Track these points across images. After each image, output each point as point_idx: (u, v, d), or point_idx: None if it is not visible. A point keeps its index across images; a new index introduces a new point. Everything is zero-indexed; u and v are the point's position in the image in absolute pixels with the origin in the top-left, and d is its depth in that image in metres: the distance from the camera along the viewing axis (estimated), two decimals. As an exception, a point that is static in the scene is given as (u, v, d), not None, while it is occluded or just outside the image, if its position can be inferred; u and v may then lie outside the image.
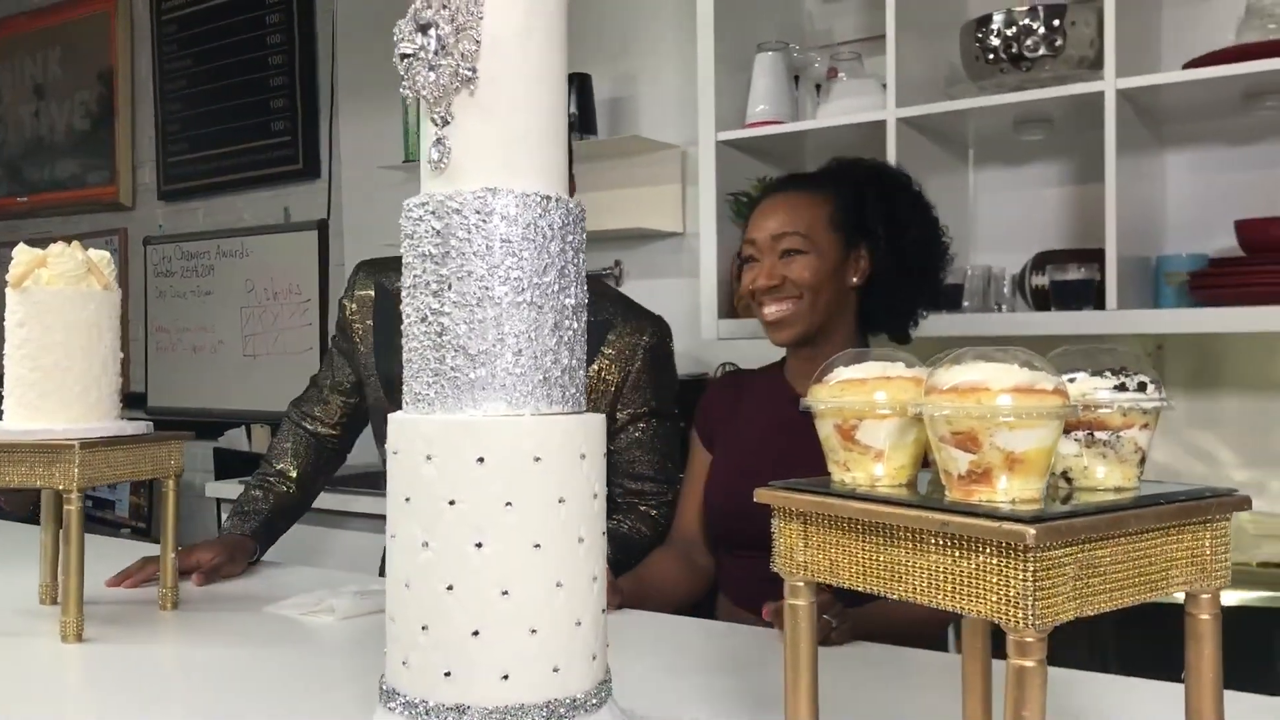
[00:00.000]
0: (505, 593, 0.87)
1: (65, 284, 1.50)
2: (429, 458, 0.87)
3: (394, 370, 1.84)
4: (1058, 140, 2.41)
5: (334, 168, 3.88)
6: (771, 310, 1.66)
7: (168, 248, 4.42)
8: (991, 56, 2.16)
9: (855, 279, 1.67)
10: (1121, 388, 0.78)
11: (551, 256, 0.90)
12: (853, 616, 1.40)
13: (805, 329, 1.66)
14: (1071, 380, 0.78)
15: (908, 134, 2.28)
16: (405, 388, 0.93)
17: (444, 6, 0.89)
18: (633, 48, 3.15)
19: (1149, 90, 2.05)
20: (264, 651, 1.38)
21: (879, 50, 2.54)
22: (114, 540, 2.35)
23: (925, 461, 0.83)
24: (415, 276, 0.91)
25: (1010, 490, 0.72)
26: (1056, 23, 2.09)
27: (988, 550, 0.69)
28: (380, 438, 1.93)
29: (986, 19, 2.17)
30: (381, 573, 1.98)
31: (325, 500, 2.38)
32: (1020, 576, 0.67)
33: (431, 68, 0.89)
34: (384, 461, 1.91)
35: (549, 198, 0.90)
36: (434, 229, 0.89)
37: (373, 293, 1.92)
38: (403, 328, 0.94)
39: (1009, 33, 2.13)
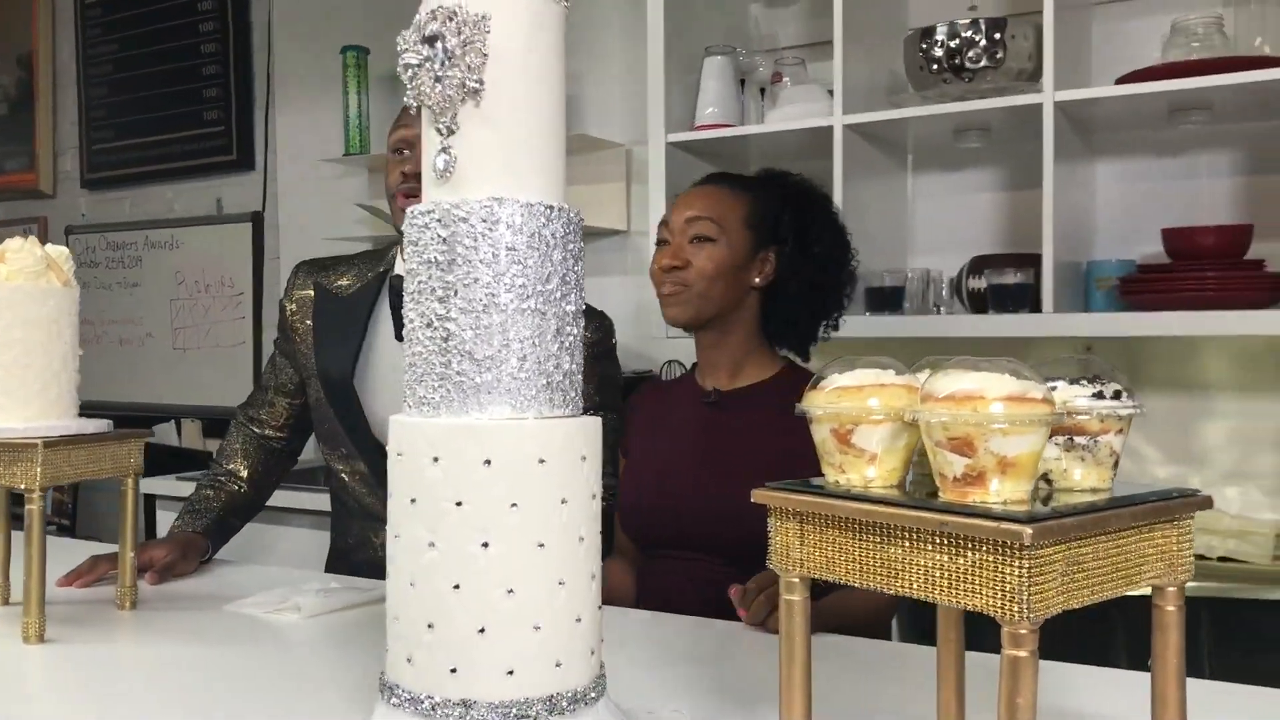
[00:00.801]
0: (510, 591, 0.89)
1: (24, 280, 1.48)
2: (435, 460, 0.90)
3: (333, 368, 1.86)
4: (994, 148, 2.50)
5: (270, 159, 3.83)
6: (666, 288, 1.69)
7: (92, 237, 4.31)
8: (935, 67, 2.23)
9: (758, 280, 1.70)
10: (1099, 395, 0.83)
11: (554, 264, 0.93)
12: (813, 609, 1.45)
13: (695, 313, 1.68)
14: (1053, 389, 0.83)
15: (852, 139, 2.35)
16: (408, 391, 0.95)
17: (450, 19, 0.91)
18: (579, 47, 3.17)
19: (1083, 103, 2.14)
20: (231, 650, 1.38)
21: (822, 56, 2.61)
22: (58, 540, 2.30)
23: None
24: (420, 282, 0.93)
25: (1002, 492, 0.77)
26: (997, 35, 2.18)
27: (984, 548, 0.74)
28: (321, 437, 1.93)
29: (930, 30, 2.24)
30: (328, 569, 1.98)
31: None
32: (1016, 572, 0.72)
33: (438, 78, 0.91)
34: (326, 461, 1.92)
35: (552, 207, 0.93)
36: (440, 236, 0.91)
37: (312, 293, 1.92)
38: (405, 332, 0.95)
39: (952, 44, 2.21)
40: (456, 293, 0.91)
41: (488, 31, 0.90)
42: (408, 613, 0.92)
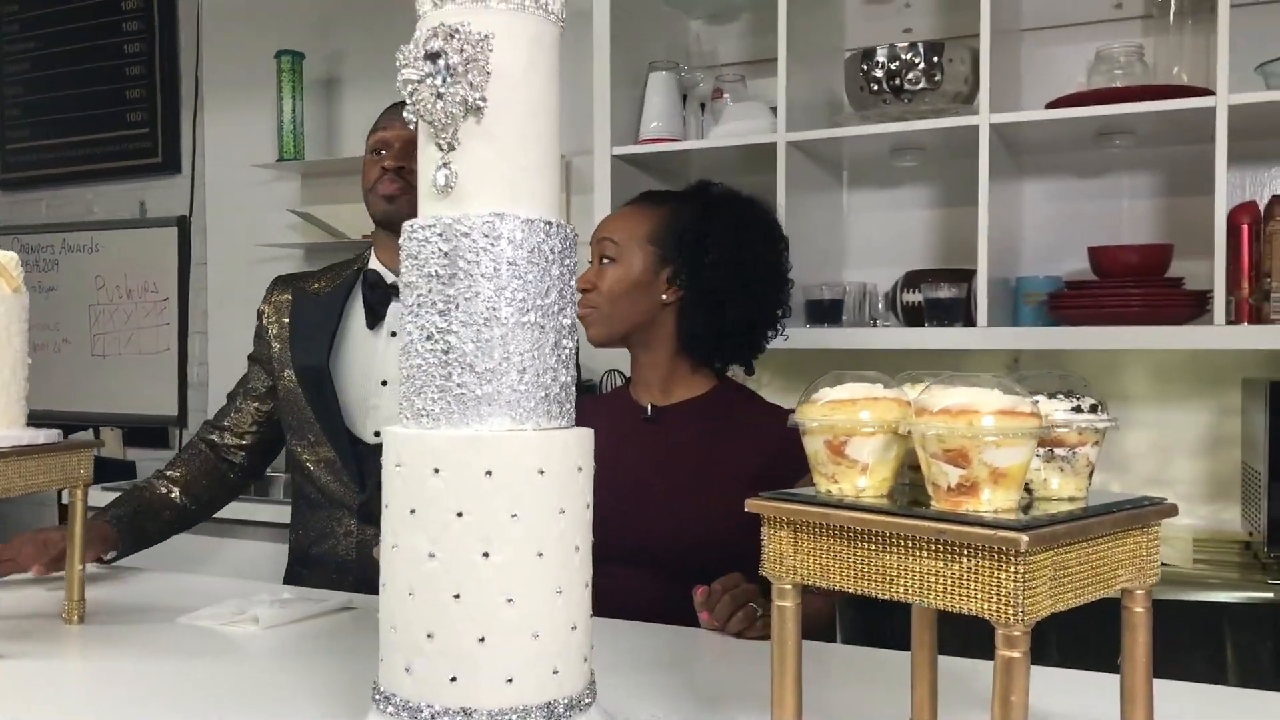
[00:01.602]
0: (510, 600, 0.91)
1: (-28, 286, 1.44)
2: (437, 471, 0.91)
3: (308, 356, 1.86)
4: (927, 166, 2.58)
5: (198, 163, 3.75)
6: (580, 309, 1.68)
7: (4, 239, 4.17)
8: (876, 88, 2.30)
9: (665, 297, 1.69)
10: (1077, 409, 0.88)
11: (553, 279, 0.95)
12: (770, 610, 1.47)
13: (607, 333, 1.70)
14: (1035, 403, 0.88)
15: (792, 155, 2.41)
16: (406, 403, 0.96)
17: (451, 36, 0.93)
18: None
19: (1015, 125, 2.23)
20: (189, 664, 1.35)
21: (761, 73, 2.67)
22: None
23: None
24: (420, 295, 0.94)
25: (993, 501, 0.81)
26: (936, 59, 2.26)
27: (980, 555, 0.78)
28: (288, 428, 1.92)
29: (871, 52, 2.31)
30: (287, 571, 1.96)
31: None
32: (1011, 577, 0.77)
33: (439, 94, 0.92)
34: (290, 456, 1.91)
35: (550, 223, 0.95)
36: (441, 250, 0.93)
37: (289, 296, 1.97)
38: (404, 345, 0.96)
39: (892, 66, 2.28)
40: (458, 306, 0.92)
41: (491, 50, 0.92)
42: (406, 622, 0.92)
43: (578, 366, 1.12)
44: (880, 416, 0.89)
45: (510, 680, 0.91)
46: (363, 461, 1.84)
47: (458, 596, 0.90)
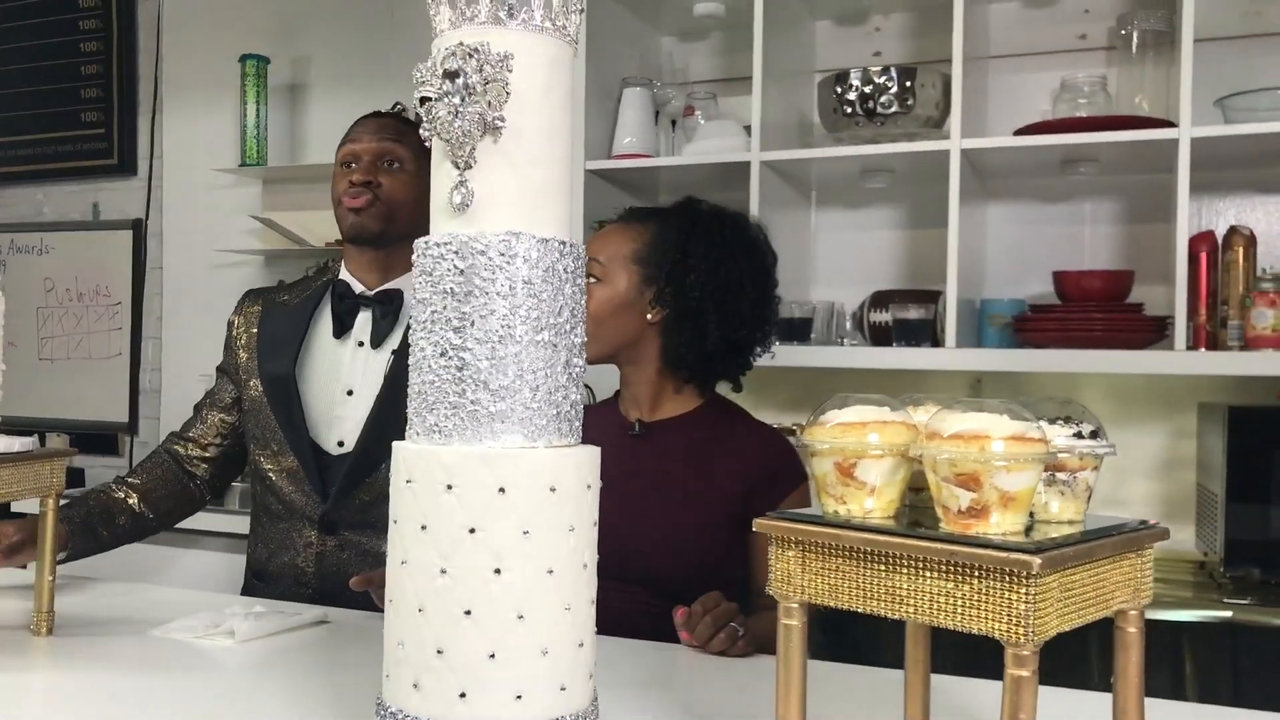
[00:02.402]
0: (521, 617, 0.91)
1: (-54, 290, 1.41)
2: (450, 487, 0.91)
3: (275, 365, 1.85)
4: (895, 189, 2.63)
5: (155, 165, 3.69)
6: None
7: (-51, 238, 4.07)
8: (849, 110, 2.34)
9: (650, 316, 1.69)
10: (1078, 435, 0.91)
11: (565, 298, 0.96)
12: (750, 628, 1.49)
13: (594, 352, 1.66)
14: (1041, 429, 0.90)
15: (765, 174, 2.44)
16: (417, 419, 0.96)
17: (470, 56, 0.93)
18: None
19: (984, 151, 2.28)
20: (164, 678, 1.32)
21: (733, 91, 2.70)
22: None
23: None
24: (434, 312, 0.94)
25: (1002, 524, 0.83)
26: (908, 84, 2.30)
27: (991, 576, 0.80)
28: (252, 438, 1.90)
29: (845, 75, 2.35)
30: (245, 584, 1.93)
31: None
32: (1021, 598, 0.79)
33: (457, 113, 0.93)
34: (253, 467, 1.89)
35: (564, 242, 0.96)
36: (457, 268, 0.93)
37: (260, 307, 1.96)
38: (414, 361, 0.96)
39: (865, 89, 2.32)
40: (473, 323, 0.92)
41: (511, 70, 0.93)
42: (415, 638, 0.92)
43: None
44: (889, 440, 0.91)
45: (519, 697, 0.91)
46: (325, 472, 1.82)
47: (469, 612, 0.90)
